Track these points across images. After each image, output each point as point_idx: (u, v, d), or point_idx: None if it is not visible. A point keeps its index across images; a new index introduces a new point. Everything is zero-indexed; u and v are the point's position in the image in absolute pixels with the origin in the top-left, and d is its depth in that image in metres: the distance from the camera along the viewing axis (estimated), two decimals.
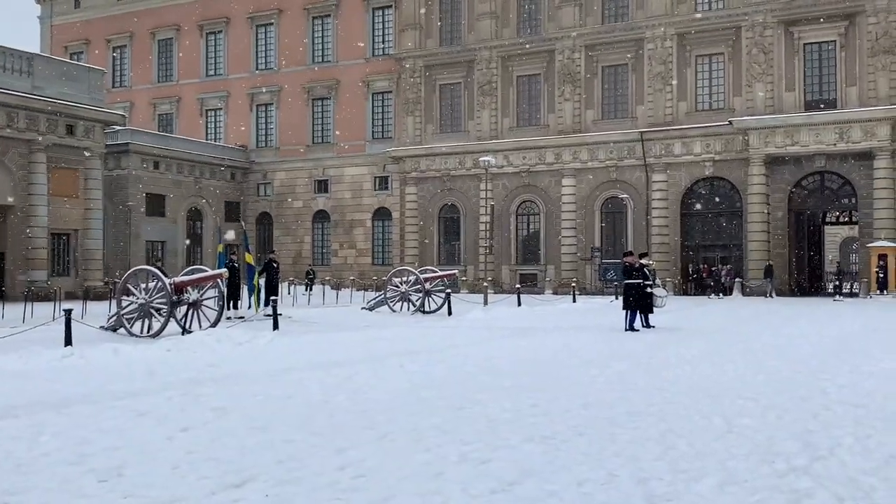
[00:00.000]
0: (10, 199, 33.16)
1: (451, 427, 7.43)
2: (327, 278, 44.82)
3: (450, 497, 5.25)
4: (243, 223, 39.28)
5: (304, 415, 8.04)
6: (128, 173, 43.27)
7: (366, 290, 40.17)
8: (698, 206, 41.23)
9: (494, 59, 44.44)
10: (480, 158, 35.43)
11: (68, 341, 13.80)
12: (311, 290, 37.17)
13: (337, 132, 48.99)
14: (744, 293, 37.88)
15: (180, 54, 53.29)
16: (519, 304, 28.36)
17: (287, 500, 5.18)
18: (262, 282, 24.03)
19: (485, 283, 33.04)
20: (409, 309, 25.91)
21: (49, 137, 33.88)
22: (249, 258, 24.59)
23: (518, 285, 35.56)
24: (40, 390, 9.63)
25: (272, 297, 20.45)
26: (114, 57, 55.61)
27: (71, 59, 48.71)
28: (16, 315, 21.23)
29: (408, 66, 46.31)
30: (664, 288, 29.09)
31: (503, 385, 10.03)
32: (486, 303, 29.36)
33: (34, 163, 33.55)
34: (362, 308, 26.75)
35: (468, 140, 44.89)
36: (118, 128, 40.36)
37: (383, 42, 48.15)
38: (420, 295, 26.00)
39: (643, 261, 20.22)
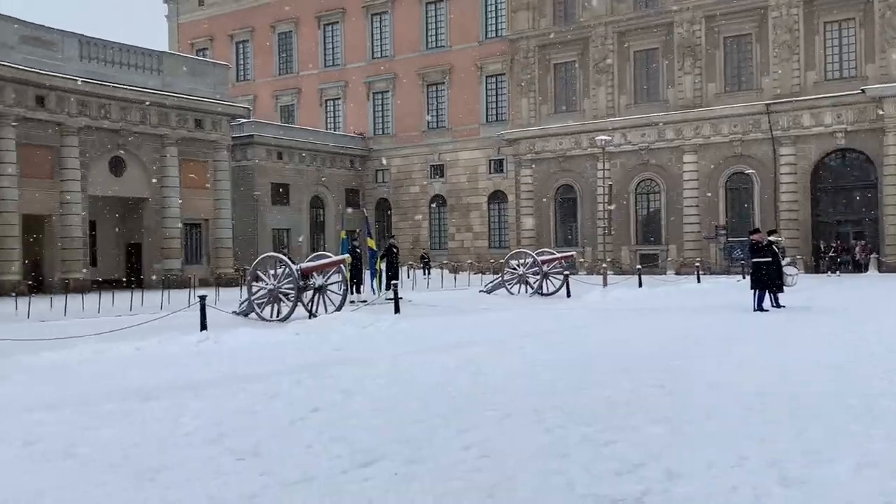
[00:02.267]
0: (146, 193, 34.94)
1: (571, 408, 7.41)
2: (445, 262, 45.21)
3: (574, 477, 5.25)
4: (364, 210, 40.08)
5: (427, 396, 8.18)
6: (253, 164, 44.81)
7: (483, 273, 40.33)
8: (830, 180, 39.37)
9: (610, 36, 43.59)
10: (597, 137, 34.87)
11: (203, 326, 14.47)
12: (429, 273, 37.61)
13: (451, 117, 49.25)
14: (880, 270, 36.02)
15: (299, 46, 54.68)
16: (640, 286, 27.88)
17: (414, 478, 5.30)
18: (383, 266, 24.50)
19: (604, 265, 32.62)
20: (526, 291, 25.87)
21: (179, 132, 35.49)
22: (371, 243, 25.10)
23: (639, 266, 34.93)
24: (179, 373, 10.15)
25: (393, 282, 20.83)
26: (237, 51, 57.56)
27: (197, 56, 50.76)
28: (154, 302, 22.40)
29: (521, 46, 46.00)
30: (794, 266, 28.00)
31: (624, 366, 9.92)
32: (605, 284, 29.00)
33: (166, 156, 35.20)
34: (480, 291, 26.88)
35: (584, 119, 44.26)
36: (243, 120, 41.79)
37: (496, 24, 47.98)
38: (538, 277, 25.92)
39: (772, 238, 19.51)
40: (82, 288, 29.17)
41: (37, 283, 31.10)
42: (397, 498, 4.95)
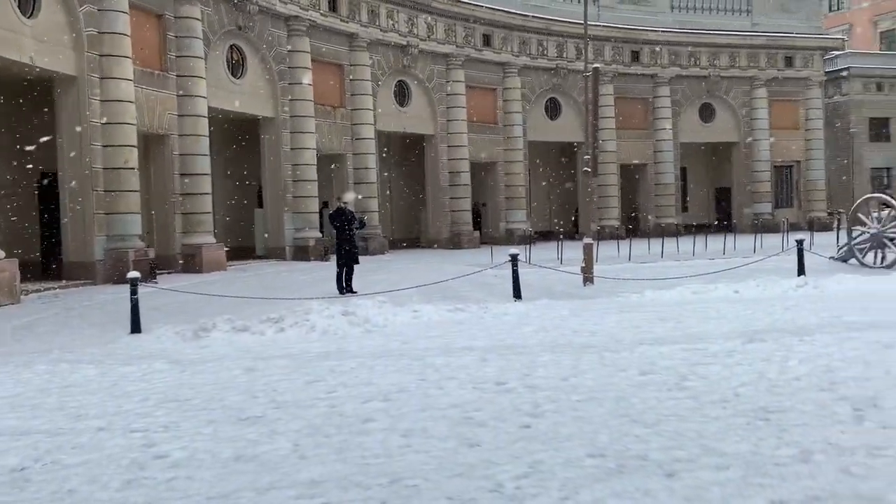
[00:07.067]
0: (735, 137, 35.00)
1: None
2: None
3: None
4: None
5: None
6: (848, 99, 41.64)
7: None
8: None
9: None
10: None
11: (801, 271, 14.00)
12: None
13: None
14: None
15: None
16: None
17: None
18: None
19: None
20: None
21: (768, 72, 34.70)
22: None
23: None
24: (780, 317, 9.98)
25: None
26: None
27: None
28: (745, 246, 22.40)
29: None
30: None
31: None
32: None
33: (755, 98, 34.74)
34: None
35: None
36: (836, 53, 39.15)
37: None
38: None
39: None
40: (674, 232, 30.53)
41: (633, 227, 33.45)
42: None
